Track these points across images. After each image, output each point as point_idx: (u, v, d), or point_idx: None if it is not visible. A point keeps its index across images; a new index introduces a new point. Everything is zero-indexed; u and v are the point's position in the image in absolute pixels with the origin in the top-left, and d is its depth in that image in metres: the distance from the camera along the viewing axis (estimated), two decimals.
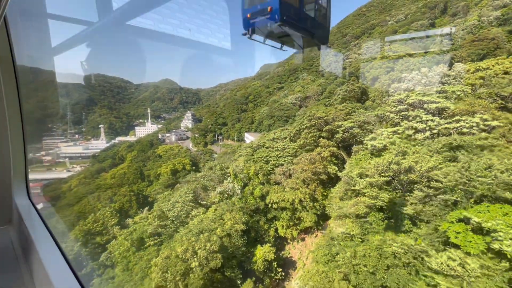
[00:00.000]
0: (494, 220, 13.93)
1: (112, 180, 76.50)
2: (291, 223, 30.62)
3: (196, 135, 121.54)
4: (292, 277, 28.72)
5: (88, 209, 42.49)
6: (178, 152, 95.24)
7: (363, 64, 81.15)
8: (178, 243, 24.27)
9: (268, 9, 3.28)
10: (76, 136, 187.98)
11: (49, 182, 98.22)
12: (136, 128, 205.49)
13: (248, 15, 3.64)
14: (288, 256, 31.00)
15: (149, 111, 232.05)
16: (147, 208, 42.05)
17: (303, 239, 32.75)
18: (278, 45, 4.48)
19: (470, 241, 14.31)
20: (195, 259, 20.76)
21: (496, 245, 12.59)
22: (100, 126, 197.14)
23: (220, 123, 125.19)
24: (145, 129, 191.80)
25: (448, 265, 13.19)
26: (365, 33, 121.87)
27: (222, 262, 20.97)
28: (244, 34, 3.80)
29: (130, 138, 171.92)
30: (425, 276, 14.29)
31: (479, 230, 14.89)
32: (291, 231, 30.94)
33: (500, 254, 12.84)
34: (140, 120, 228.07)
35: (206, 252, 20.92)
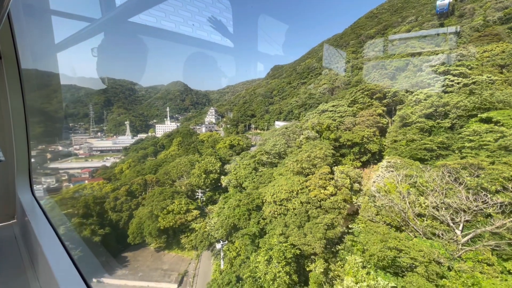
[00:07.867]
0: (497, 115, 28.57)
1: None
2: (356, 157, 45.02)
3: (228, 125, 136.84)
4: (362, 188, 43.15)
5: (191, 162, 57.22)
6: (218, 137, 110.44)
7: (382, 59, 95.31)
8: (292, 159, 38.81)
9: (445, 6, 20.00)
10: (99, 133, 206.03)
11: (95, 168, 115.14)
12: (156, 126, 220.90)
13: (438, 8, 20.89)
14: None
15: (168, 110, 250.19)
16: (237, 157, 56.53)
17: (363, 170, 47.23)
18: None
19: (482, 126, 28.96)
20: (316, 158, 35.32)
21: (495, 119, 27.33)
22: (126, 123, 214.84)
23: (248, 114, 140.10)
24: (165, 127, 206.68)
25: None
26: (379, 33, 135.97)
27: (333, 160, 35.50)
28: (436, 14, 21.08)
29: (152, 134, 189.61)
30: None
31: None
32: (356, 163, 45.34)
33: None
34: (155, 120, 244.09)
35: (323, 155, 35.48)
